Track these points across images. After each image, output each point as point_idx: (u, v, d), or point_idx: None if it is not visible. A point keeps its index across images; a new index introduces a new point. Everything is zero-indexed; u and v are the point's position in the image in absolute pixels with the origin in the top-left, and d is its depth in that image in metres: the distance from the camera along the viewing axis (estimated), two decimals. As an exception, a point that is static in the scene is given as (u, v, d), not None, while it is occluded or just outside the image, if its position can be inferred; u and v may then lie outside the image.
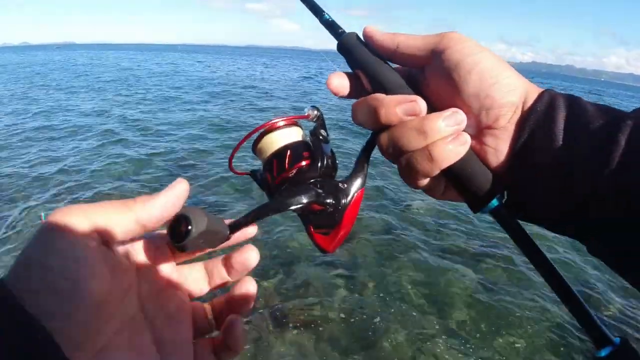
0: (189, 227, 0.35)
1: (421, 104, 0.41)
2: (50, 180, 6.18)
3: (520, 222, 0.44)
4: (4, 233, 4.71)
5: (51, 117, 10.65)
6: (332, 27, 0.48)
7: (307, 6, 0.50)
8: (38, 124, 9.71)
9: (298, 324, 3.34)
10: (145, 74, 23.04)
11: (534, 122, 0.40)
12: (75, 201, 5.51)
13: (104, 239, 0.34)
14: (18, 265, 0.30)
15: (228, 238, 0.41)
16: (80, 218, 0.32)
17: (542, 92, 0.42)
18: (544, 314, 3.56)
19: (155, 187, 5.98)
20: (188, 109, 11.99)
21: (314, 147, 0.48)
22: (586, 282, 4.16)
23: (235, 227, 0.41)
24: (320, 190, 0.45)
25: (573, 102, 0.40)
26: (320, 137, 0.48)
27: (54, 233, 0.31)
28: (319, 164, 0.47)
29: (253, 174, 0.51)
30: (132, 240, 0.38)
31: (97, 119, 10.41)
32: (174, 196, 0.38)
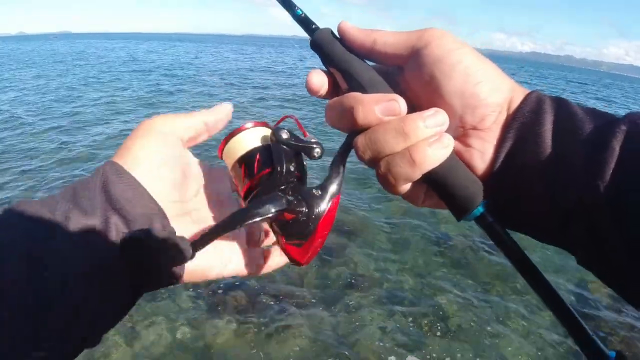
0: (149, 247, 0.37)
1: (401, 103, 0.39)
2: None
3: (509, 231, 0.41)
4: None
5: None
6: (304, 23, 0.46)
7: (278, 1, 0.47)
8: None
9: (291, 326, 3.45)
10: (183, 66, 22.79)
11: (520, 125, 0.38)
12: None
13: (182, 135, 0.48)
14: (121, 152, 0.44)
15: (192, 257, 0.38)
16: (163, 121, 0.47)
17: (529, 94, 0.40)
18: (536, 325, 3.48)
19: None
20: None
21: (280, 150, 0.45)
22: (578, 292, 4.04)
23: (199, 245, 0.39)
24: (291, 198, 0.42)
25: (561, 104, 0.39)
26: (286, 138, 0.45)
27: (147, 131, 0.46)
28: (286, 169, 0.44)
29: None
30: (198, 137, 0.50)
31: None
32: (225, 111, 0.51)
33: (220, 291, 3.62)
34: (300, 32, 0.46)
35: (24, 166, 6.44)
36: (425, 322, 3.44)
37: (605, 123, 0.36)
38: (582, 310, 3.73)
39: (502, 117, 0.40)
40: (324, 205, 0.42)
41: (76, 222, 0.37)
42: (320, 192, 0.43)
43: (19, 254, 0.34)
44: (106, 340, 3.07)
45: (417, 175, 0.39)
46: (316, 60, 0.47)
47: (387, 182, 0.41)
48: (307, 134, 0.47)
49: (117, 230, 0.38)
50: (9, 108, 10.48)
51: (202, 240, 0.39)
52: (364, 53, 0.43)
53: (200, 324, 3.29)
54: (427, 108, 0.39)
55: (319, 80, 0.45)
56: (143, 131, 0.45)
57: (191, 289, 3.59)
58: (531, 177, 0.37)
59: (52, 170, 6.33)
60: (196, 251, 0.38)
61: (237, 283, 3.72)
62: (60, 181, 5.85)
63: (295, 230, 0.43)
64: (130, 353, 3.00)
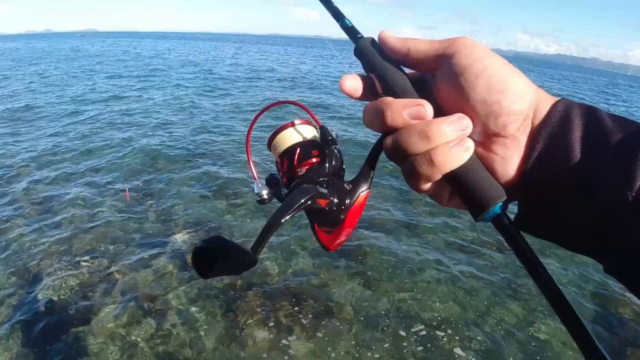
0: (211, 256, 0.38)
1: (427, 108, 0.41)
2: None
3: (536, 238, 0.43)
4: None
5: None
6: (351, 32, 0.49)
7: (329, 12, 0.51)
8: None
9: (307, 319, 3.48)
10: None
11: (548, 133, 0.39)
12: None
13: None
14: None
15: (254, 263, 0.41)
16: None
17: (557, 102, 0.41)
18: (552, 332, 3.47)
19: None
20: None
21: (323, 147, 0.50)
22: (590, 299, 3.99)
23: (256, 248, 0.41)
24: (324, 191, 0.46)
25: (590, 112, 0.39)
26: (329, 138, 0.50)
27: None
28: (327, 164, 0.49)
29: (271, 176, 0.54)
30: None
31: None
32: None
33: (235, 296, 3.68)
34: (324, 33, 0.50)
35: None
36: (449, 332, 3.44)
37: (635, 132, 0.36)
38: (591, 319, 3.69)
39: (527, 125, 0.41)
40: (353, 199, 0.47)
41: None
42: (351, 187, 0.47)
43: None
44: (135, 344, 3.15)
45: (437, 176, 0.41)
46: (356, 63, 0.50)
47: (410, 181, 0.44)
48: (320, 122, 0.53)
49: None
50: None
51: (258, 244, 0.42)
52: (399, 60, 0.46)
53: (217, 329, 3.35)
54: (454, 113, 0.41)
55: (351, 84, 0.47)
56: None
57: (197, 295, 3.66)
58: (559, 186, 0.38)
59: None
60: (257, 255, 0.41)
61: (248, 288, 3.78)
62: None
63: (326, 219, 0.48)
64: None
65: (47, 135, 8.30)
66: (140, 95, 12.80)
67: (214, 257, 0.38)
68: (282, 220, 0.42)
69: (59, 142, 7.83)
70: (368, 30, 0.51)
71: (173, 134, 8.40)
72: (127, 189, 5.63)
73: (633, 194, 0.34)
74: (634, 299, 3.32)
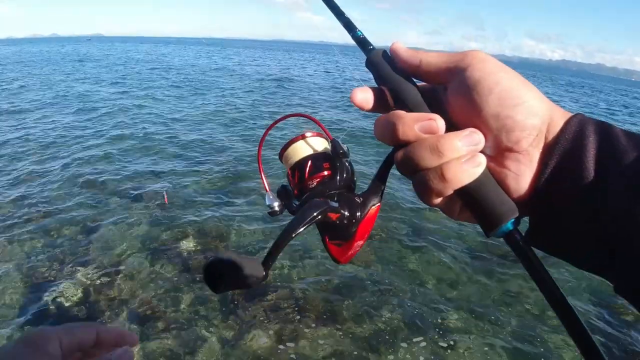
0: (222, 271, 0.38)
1: (439, 122, 0.41)
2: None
3: (545, 254, 0.42)
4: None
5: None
6: (362, 43, 0.49)
7: (341, 23, 0.51)
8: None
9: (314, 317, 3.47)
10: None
11: (562, 149, 0.39)
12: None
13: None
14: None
15: (265, 277, 0.41)
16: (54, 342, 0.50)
17: (571, 117, 0.40)
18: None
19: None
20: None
21: (334, 160, 0.50)
22: (603, 316, 3.93)
23: (267, 263, 0.42)
24: (335, 204, 0.45)
25: (604, 129, 0.39)
26: (341, 152, 0.50)
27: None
28: (338, 177, 0.49)
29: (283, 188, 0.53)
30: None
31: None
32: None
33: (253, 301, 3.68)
34: (330, 39, 0.49)
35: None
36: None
37: None
38: (604, 340, 3.62)
39: (540, 140, 0.40)
40: (364, 212, 0.46)
41: None
42: (362, 200, 0.47)
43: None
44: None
45: (449, 191, 0.41)
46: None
47: (421, 195, 0.43)
48: (331, 135, 0.52)
49: None
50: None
51: (269, 258, 0.42)
52: (411, 72, 0.45)
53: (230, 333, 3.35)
54: (466, 127, 0.41)
55: (362, 97, 0.47)
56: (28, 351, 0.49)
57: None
58: (572, 203, 0.38)
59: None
60: (268, 269, 0.41)
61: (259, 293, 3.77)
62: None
63: (337, 232, 0.47)
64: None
65: (53, 137, 8.37)
66: (149, 103, 12.88)
67: (226, 272, 0.38)
68: (293, 235, 0.42)
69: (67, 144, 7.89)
70: (374, 34, 0.50)
71: (183, 143, 8.42)
72: (165, 191, 5.68)
73: None
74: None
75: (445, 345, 3.28)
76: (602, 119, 0.41)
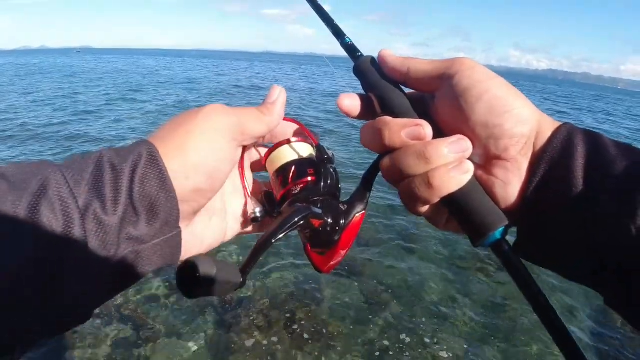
0: (197, 275, 0.35)
1: (426, 129, 0.40)
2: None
3: (534, 266, 0.42)
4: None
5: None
6: (350, 50, 0.49)
7: (330, 30, 0.51)
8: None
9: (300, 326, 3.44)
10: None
11: (550, 158, 0.38)
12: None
13: (240, 137, 0.45)
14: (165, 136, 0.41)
15: (242, 284, 0.39)
16: (226, 117, 0.43)
17: (560, 126, 0.39)
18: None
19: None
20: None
21: (319, 166, 0.49)
22: (591, 329, 3.93)
23: (245, 269, 0.40)
24: (318, 211, 0.44)
25: (593, 138, 0.38)
26: (326, 157, 0.49)
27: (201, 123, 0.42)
28: (322, 183, 0.47)
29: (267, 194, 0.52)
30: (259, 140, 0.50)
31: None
32: (282, 104, 0.49)
33: (236, 306, 3.63)
34: (316, 50, 0.48)
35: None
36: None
37: (639, 160, 0.35)
38: (593, 351, 3.57)
39: (529, 149, 0.39)
40: (347, 219, 0.45)
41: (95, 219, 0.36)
42: (346, 207, 0.46)
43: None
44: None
45: (435, 198, 0.40)
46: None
47: (406, 203, 0.43)
48: (317, 140, 0.51)
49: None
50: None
51: (247, 264, 0.40)
52: (399, 79, 0.45)
53: (217, 337, 3.30)
54: (453, 135, 0.40)
55: (349, 103, 0.47)
56: (204, 122, 0.43)
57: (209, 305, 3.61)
58: (561, 212, 0.37)
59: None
60: (246, 276, 0.40)
61: (252, 297, 3.73)
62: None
63: (319, 239, 0.46)
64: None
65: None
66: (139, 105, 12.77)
67: (201, 277, 0.35)
68: (273, 241, 0.40)
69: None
70: (363, 46, 0.50)
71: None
72: None
73: (637, 225, 0.33)
74: None
75: (434, 353, 3.25)
76: (587, 126, 0.41)
